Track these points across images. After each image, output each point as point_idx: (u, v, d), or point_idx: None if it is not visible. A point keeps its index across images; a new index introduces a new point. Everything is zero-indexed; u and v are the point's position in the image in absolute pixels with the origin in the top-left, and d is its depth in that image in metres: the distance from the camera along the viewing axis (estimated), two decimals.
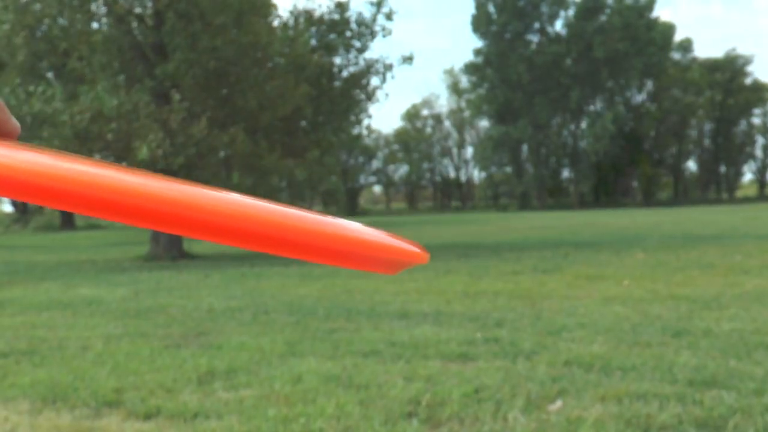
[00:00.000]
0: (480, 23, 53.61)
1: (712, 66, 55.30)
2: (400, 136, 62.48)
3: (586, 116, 54.58)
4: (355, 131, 16.11)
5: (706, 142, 58.12)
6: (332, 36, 14.32)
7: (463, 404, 2.90)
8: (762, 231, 14.23)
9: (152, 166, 11.05)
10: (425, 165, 63.46)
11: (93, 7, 12.24)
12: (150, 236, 13.57)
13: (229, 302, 6.25)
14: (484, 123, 58.97)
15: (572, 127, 55.00)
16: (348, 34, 14.34)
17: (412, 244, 0.35)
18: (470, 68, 55.28)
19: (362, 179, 62.84)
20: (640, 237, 14.07)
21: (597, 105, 54.83)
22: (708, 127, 57.62)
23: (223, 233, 0.30)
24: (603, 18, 52.55)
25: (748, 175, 62.17)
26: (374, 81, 14.67)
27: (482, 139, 57.42)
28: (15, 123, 0.38)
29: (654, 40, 52.03)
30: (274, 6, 13.34)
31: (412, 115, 63.16)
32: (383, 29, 14.55)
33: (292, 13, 14.08)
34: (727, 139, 56.70)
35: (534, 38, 54.30)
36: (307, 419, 2.79)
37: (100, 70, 11.88)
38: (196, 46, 11.76)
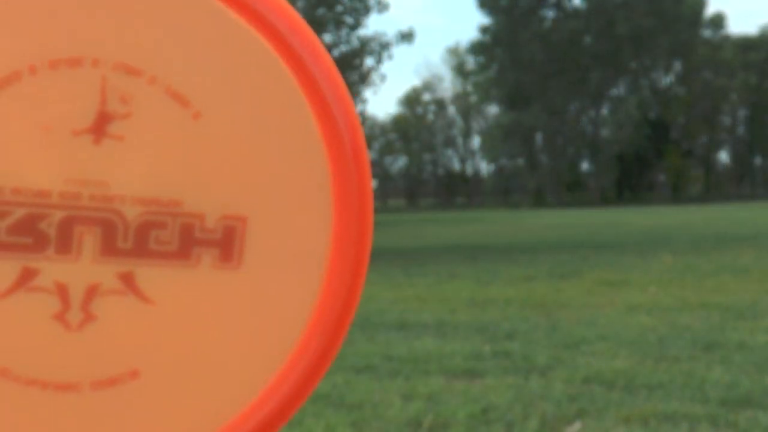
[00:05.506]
0: None
1: (746, 44, 55.38)
2: (398, 123, 62.51)
3: (607, 101, 54.68)
4: None
5: (740, 130, 58.27)
6: (321, 10, 14.31)
7: (470, 426, 2.90)
8: None
9: None
10: (426, 156, 63.52)
11: None
12: None
13: None
14: (492, 109, 59.06)
15: (592, 113, 55.09)
16: (339, 8, 14.33)
17: None
18: (477, 47, 55.28)
19: None
20: (668, 238, 14.10)
21: (620, 88, 54.93)
22: (742, 113, 57.75)
23: None
24: None
25: None
26: (369, 61, 14.70)
27: (491, 127, 57.48)
28: None
29: (683, 16, 52.12)
30: None
31: (411, 99, 63.21)
32: (379, 3, 14.56)
33: None
34: (763, 126, 56.81)
35: (549, 13, 54.36)
36: None
37: None
38: None
